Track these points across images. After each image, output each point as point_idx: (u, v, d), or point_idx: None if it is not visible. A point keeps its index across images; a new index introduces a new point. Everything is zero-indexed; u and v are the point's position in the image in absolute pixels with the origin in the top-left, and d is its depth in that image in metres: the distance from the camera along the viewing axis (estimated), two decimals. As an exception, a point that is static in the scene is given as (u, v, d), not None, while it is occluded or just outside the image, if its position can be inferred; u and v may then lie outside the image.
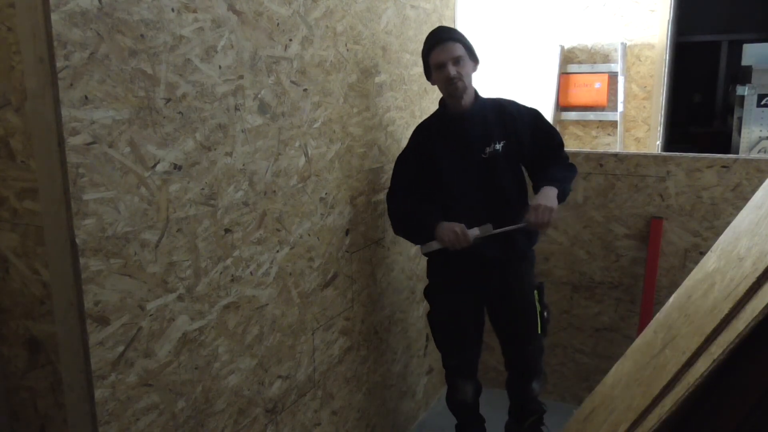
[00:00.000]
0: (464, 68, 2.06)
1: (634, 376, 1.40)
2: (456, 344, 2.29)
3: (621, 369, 1.67)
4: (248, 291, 1.64)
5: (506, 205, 2.14)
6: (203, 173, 1.45)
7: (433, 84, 2.18)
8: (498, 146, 2.12)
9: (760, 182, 2.45)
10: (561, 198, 2.08)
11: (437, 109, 2.23)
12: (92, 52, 1.16)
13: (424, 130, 2.22)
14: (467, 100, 2.12)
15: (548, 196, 2.03)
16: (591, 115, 4.80)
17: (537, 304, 2.21)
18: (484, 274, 2.17)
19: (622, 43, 4.59)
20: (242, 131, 1.57)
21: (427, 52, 2.11)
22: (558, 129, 4.86)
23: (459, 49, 2.05)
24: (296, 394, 1.89)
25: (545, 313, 2.24)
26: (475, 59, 2.13)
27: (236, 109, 1.54)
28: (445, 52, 2.04)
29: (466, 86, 2.08)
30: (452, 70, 2.04)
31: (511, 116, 2.16)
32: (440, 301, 2.28)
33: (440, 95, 2.19)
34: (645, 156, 2.67)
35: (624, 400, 1.31)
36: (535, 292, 2.22)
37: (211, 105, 1.46)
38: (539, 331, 2.22)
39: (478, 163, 2.12)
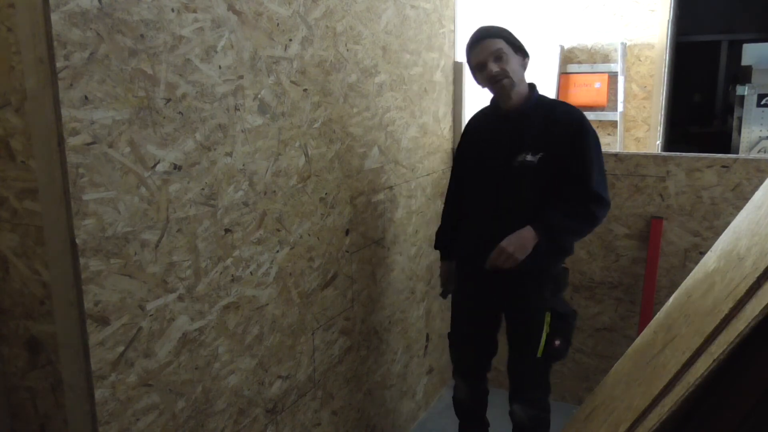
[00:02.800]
0: (508, 63, 1.92)
1: (634, 376, 1.40)
2: (459, 334, 2.25)
3: (621, 369, 1.67)
4: (248, 291, 1.64)
5: (524, 224, 1.94)
6: (203, 173, 1.45)
7: (483, 87, 2.05)
8: (532, 157, 1.94)
9: (760, 182, 2.45)
10: (550, 245, 1.93)
11: (491, 102, 2.13)
12: (92, 52, 1.16)
13: (474, 121, 2.16)
14: (517, 99, 1.97)
15: (522, 239, 1.88)
16: (591, 115, 4.80)
17: (546, 326, 1.98)
18: (490, 283, 2.10)
19: (622, 43, 4.59)
20: (242, 131, 1.57)
21: (468, 57, 2.01)
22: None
23: (498, 43, 1.91)
24: (296, 394, 1.89)
25: (556, 342, 1.99)
26: (522, 53, 1.97)
27: (236, 109, 1.54)
28: (483, 51, 1.93)
29: (514, 82, 1.94)
30: (493, 66, 1.92)
31: (554, 124, 1.95)
32: (462, 282, 2.24)
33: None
34: (645, 156, 2.67)
35: (624, 400, 1.31)
36: (547, 314, 1.98)
37: (211, 105, 1.46)
38: (539, 354, 2.01)
39: (506, 170, 1.98)
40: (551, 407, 2.20)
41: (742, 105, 4.72)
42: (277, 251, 1.74)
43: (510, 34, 1.98)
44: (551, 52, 4.79)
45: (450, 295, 2.33)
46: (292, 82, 1.74)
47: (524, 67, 2.00)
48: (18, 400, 1.35)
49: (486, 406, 2.36)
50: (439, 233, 2.34)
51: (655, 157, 2.65)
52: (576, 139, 1.92)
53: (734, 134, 5.11)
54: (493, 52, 1.92)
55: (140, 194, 1.29)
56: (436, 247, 2.36)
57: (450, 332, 2.31)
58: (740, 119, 4.74)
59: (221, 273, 1.54)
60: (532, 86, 2.03)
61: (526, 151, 1.95)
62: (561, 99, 4.76)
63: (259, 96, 1.62)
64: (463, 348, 2.26)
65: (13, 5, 1.12)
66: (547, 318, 1.99)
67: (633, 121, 4.74)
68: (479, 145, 2.10)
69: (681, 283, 1.67)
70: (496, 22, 2.04)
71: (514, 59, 1.95)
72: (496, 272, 1.97)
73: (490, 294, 2.14)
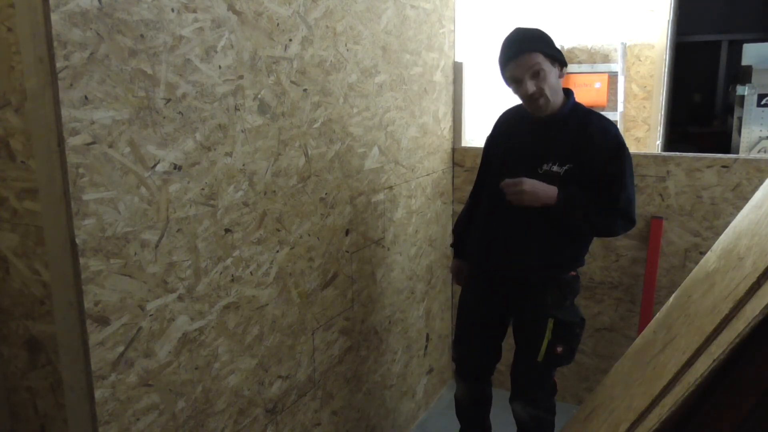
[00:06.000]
0: (545, 81, 1.82)
1: (634, 376, 1.40)
2: (462, 334, 2.25)
3: (621, 369, 1.67)
4: (248, 291, 1.64)
5: (535, 240, 1.94)
6: (203, 173, 1.45)
7: (514, 93, 1.94)
8: (558, 168, 1.88)
9: (760, 182, 2.45)
10: (560, 214, 1.87)
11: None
12: (92, 52, 1.16)
13: (504, 119, 2.14)
14: (552, 108, 1.90)
15: (542, 191, 1.83)
16: (591, 115, 4.81)
17: (548, 332, 1.97)
18: (496, 287, 2.10)
19: (622, 43, 4.59)
20: (242, 131, 1.57)
21: (501, 65, 1.88)
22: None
23: (536, 58, 1.79)
24: (296, 394, 1.89)
25: (558, 348, 1.99)
26: (560, 63, 1.86)
27: (236, 109, 1.54)
28: (520, 66, 1.81)
29: (550, 101, 1.86)
30: (530, 86, 1.82)
31: (588, 138, 1.87)
32: (470, 284, 2.24)
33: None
34: (645, 156, 2.67)
35: (624, 400, 1.31)
36: (550, 321, 1.97)
37: (211, 105, 1.46)
38: (539, 359, 2.01)
39: (529, 177, 1.90)
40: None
41: (742, 105, 4.73)
42: (277, 251, 1.74)
43: (548, 43, 1.85)
44: (551, 52, 4.79)
45: (468, 278, 2.31)
46: (292, 82, 1.74)
47: (561, 77, 1.89)
48: (18, 400, 1.35)
49: (488, 410, 2.35)
50: (455, 230, 2.35)
51: (655, 157, 2.65)
52: (611, 160, 1.86)
53: (734, 134, 5.11)
54: (531, 67, 1.81)
55: (140, 194, 1.29)
56: (451, 244, 2.38)
57: (454, 331, 2.30)
58: (740, 119, 4.75)
59: (221, 273, 1.54)
60: (567, 92, 1.95)
61: (553, 161, 1.89)
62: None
63: (259, 96, 1.62)
64: (464, 348, 2.26)
65: (13, 5, 1.12)
66: (550, 324, 1.96)
67: (633, 121, 4.74)
68: (505, 147, 2.06)
69: (681, 283, 1.67)
70: (532, 21, 1.98)
71: (551, 74, 1.84)
72: (500, 275, 1.99)
73: (495, 297, 2.14)
